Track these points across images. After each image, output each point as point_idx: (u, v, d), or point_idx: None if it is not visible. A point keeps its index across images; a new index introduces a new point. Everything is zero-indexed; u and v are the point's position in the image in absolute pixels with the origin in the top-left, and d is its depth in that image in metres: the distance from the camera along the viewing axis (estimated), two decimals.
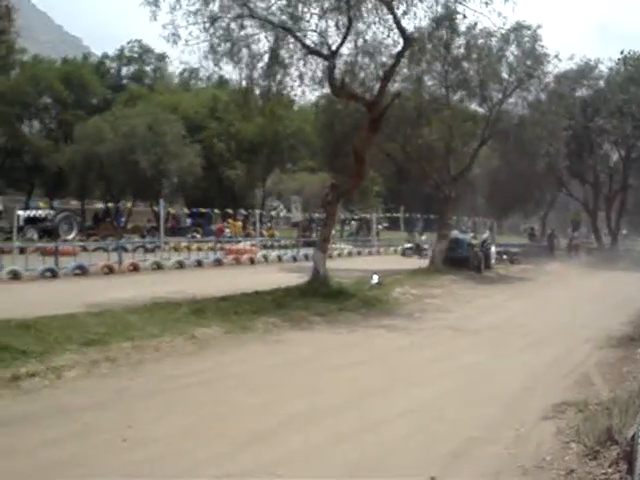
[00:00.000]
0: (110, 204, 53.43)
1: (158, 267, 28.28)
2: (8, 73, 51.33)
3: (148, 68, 69.35)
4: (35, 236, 40.28)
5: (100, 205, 55.53)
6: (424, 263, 29.96)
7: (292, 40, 19.31)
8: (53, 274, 23.94)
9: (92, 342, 11.21)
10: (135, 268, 27.03)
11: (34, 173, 58.41)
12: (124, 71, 69.41)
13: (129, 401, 8.88)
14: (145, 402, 8.85)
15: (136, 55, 68.33)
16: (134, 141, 46.84)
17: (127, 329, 12.39)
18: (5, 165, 57.78)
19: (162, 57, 68.17)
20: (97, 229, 49.63)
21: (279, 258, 35.43)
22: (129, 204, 55.35)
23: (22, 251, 26.96)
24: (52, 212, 47.64)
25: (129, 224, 54.75)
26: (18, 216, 31.59)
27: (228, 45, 19.00)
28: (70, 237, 41.81)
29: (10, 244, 29.17)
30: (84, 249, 30.11)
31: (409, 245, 42.25)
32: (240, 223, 51.76)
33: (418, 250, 39.44)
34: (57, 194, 61.10)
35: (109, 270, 25.69)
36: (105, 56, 69.85)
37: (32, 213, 45.85)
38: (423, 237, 42.78)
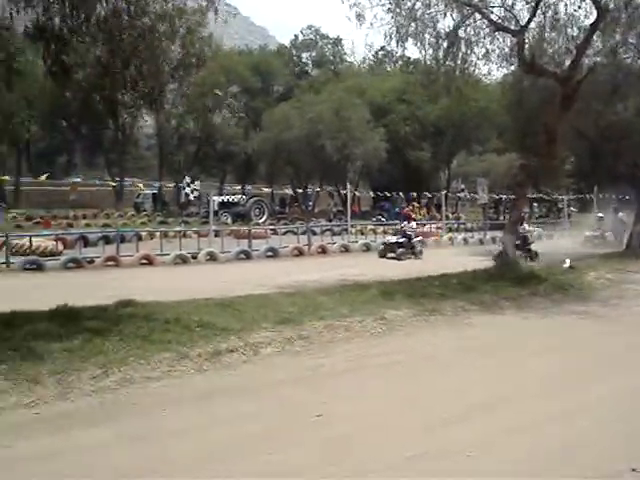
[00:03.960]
0: (297, 189, 54.96)
1: (345, 250, 28.78)
2: (202, 66, 53.96)
3: (327, 53, 70.50)
4: (229, 220, 42.30)
5: (288, 190, 57.32)
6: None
7: (478, 17, 18.82)
8: (247, 256, 25.05)
9: (286, 321, 11.57)
10: (323, 250, 27.71)
11: (226, 160, 61.27)
12: (304, 57, 70.97)
13: (322, 378, 9.09)
14: (338, 380, 9.01)
15: (311, 41, 69.68)
16: (320, 126, 47.82)
17: (318, 309, 12.68)
18: (199, 154, 61.07)
19: (338, 41, 69.13)
20: (286, 213, 51.27)
21: (465, 241, 34.92)
22: (316, 188, 56.61)
23: (217, 234, 28.44)
24: (244, 197, 49.79)
25: (316, 208, 56.08)
26: (213, 201, 33.23)
27: (413, 25, 18.84)
28: (261, 221, 43.58)
29: (207, 228, 30.82)
30: (275, 232, 31.23)
31: (594, 233, 34.95)
32: (424, 209, 51.57)
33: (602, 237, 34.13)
34: (247, 180, 63.75)
35: (299, 252, 26.51)
36: (285, 45, 71.84)
37: (226, 198, 48.10)
38: (621, 215, 36.09)
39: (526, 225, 27.30)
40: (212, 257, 24.28)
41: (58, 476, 5.81)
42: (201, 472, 5.94)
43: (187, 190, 38.15)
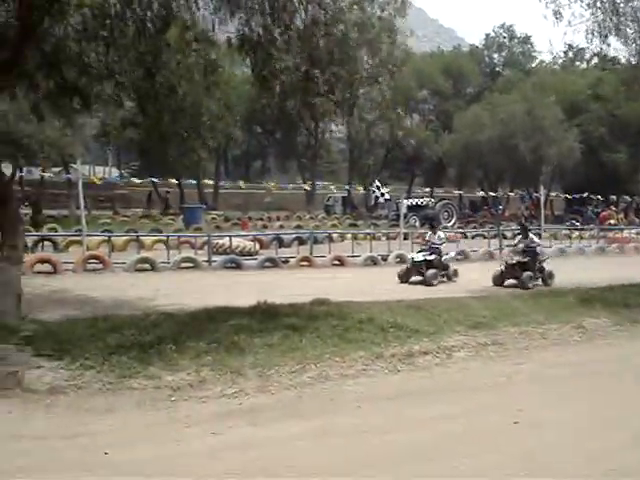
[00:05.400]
0: (488, 192, 53.94)
1: None
2: (397, 71, 54.35)
3: (517, 52, 68.61)
4: (417, 223, 42.24)
5: (478, 193, 56.44)
6: None
7: None
8: None
9: (479, 325, 11.41)
10: None
11: (415, 163, 61.26)
12: (495, 58, 69.48)
13: (518, 385, 8.87)
14: (534, 387, 8.76)
15: (503, 40, 68.05)
16: (512, 127, 46.67)
17: (512, 314, 12.40)
18: (388, 157, 61.53)
19: (527, 39, 67.03)
20: (476, 216, 50.47)
21: None
22: (506, 191, 55.33)
23: (406, 237, 28.50)
24: (432, 200, 49.55)
25: (506, 211, 54.76)
26: (402, 204, 33.34)
27: (614, 20, 17.91)
28: (450, 224, 43.13)
29: (396, 230, 30.97)
30: (464, 236, 30.83)
31: None
32: (622, 213, 48.85)
33: None
34: (436, 183, 63.41)
35: (490, 256, 26.03)
36: (476, 45, 70.64)
37: (414, 202, 48.09)
38: None
39: None
40: (402, 259, 24.33)
41: (255, 466, 6.05)
42: (396, 470, 5.97)
43: (377, 193, 38.60)
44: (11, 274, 10.71)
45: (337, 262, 23.25)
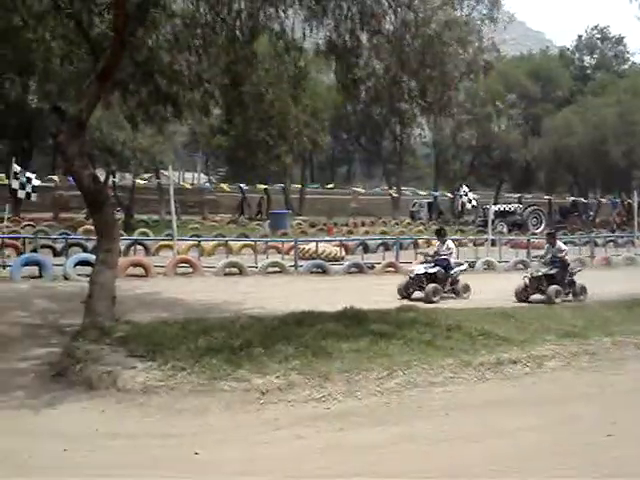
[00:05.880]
0: (578, 198, 52.62)
1: (631, 262, 27.01)
2: (489, 72, 53.80)
3: (610, 54, 66.71)
4: (504, 229, 41.60)
5: (568, 198, 55.14)
6: None
7: None
8: (525, 266, 24.39)
9: (570, 334, 11.10)
10: (607, 262, 26.29)
11: (502, 169, 60.34)
12: (586, 60, 67.77)
13: (612, 397, 8.60)
14: (629, 399, 8.49)
15: (595, 42, 66.26)
16: (604, 131, 45.48)
17: (605, 324, 12.02)
18: (474, 162, 60.79)
19: (620, 41, 65.04)
20: (566, 222, 49.31)
21: None
22: (597, 197, 53.85)
23: (493, 243, 28.07)
24: (520, 206, 48.67)
25: (597, 218, 53.28)
26: (489, 210, 32.87)
27: None
28: (538, 231, 42.30)
29: (483, 237, 30.55)
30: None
31: None
32: None
33: None
34: (524, 188, 62.28)
35: (581, 264, 25.33)
36: (566, 48, 69.05)
37: (502, 207, 47.35)
38: None
39: None
40: (490, 266, 24.05)
41: (340, 470, 6.07)
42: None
43: (464, 199, 38.16)
44: (106, 277, 11.06)
45: None
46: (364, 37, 11.97)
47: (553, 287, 16.35)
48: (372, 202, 58.50)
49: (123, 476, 6.01)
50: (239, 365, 8.40)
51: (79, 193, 11.55)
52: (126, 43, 11.09)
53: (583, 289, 16.92)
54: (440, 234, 18.26)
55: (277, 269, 21.44)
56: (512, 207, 48.19)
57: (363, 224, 47.31)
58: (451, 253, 17.79)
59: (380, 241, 29.37)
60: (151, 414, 7.57)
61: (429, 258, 17.75)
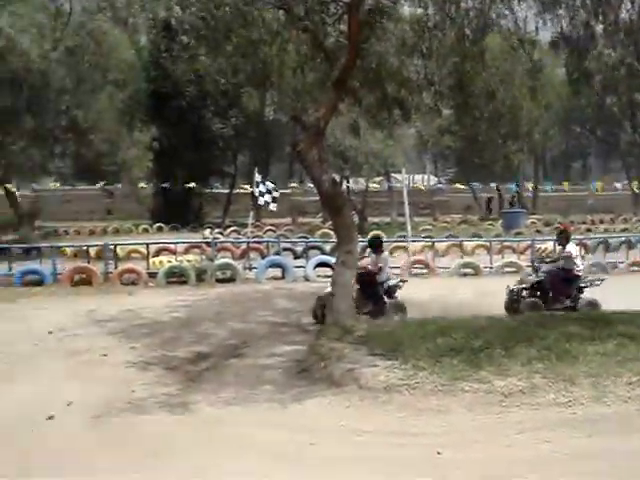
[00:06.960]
0: None
1: None
2: None
3: None
4: None
5: None
6: None
7: None
8: None
9: None
10: None
11: None
12: None
13: None
14: None
15: None
16: None
17: None
18: None
19: None
20: None
21: None
22: None
23: None
24: None
25: None
26: None
27: None
28: None
29: None
30: None
31: None
32: None
33: None
34: None
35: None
36: None
37: None
38: None
39: None
40: None
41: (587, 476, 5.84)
42: None
43: None
44: (347, 277, 11.46)
45: None
46: (598, 28, 11.47)
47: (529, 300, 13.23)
48: (611, 198, 55.26)
49: (373, 472, 6.17)
50: (480, 366, 8.34)
51: (314, 199, 12.08)
52: (359, 50, 11.42)
53: (591, 304, 13.16)
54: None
55: (513, 269, 20.86)
56: None
57: (602, 222, 44.88)
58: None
59: (623, 239, 27.57)
60: (393, 412, 7.74)
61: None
